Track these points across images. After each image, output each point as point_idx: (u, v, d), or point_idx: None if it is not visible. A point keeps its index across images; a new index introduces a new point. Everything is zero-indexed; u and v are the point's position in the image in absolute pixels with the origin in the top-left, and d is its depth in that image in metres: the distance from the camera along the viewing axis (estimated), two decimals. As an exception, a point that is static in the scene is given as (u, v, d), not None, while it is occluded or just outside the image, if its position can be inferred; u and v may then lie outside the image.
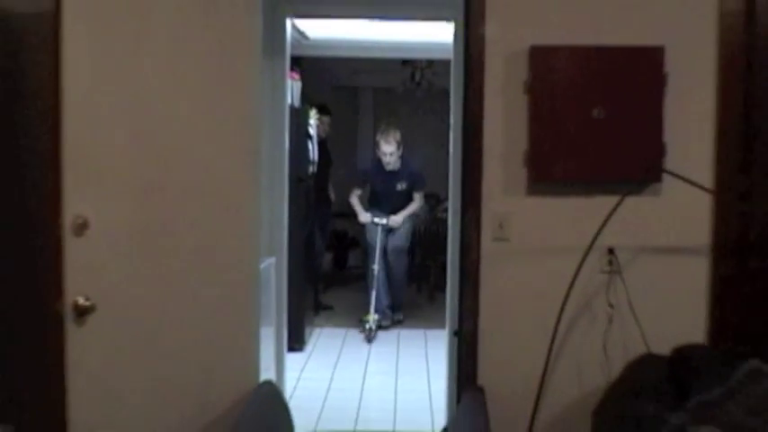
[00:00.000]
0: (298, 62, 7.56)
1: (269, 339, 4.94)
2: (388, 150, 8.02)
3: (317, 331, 8.22)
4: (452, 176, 4.26)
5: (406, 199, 8.49)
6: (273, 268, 5.05)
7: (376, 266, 8.18)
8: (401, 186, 8.30)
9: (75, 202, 3.21)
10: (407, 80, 10.46)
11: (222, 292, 3.68)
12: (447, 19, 4.44)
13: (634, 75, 3.77)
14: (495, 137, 3.88)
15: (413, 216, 8.76)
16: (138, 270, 3.44)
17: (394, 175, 8.29)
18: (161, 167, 3.48)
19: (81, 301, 3.22)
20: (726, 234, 3.85)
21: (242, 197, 3.76)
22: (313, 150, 8.23)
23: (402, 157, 8.25)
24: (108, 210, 3.31)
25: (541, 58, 3.78)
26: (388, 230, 8.48)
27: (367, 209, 8.60)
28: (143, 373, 3.45)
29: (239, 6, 3.69)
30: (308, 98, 8.40)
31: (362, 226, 8.75)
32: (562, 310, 3.76)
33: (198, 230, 3.60)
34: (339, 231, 10.51)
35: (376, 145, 8.23)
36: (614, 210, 3.67)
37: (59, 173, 3.19)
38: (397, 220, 8.35)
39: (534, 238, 3.91)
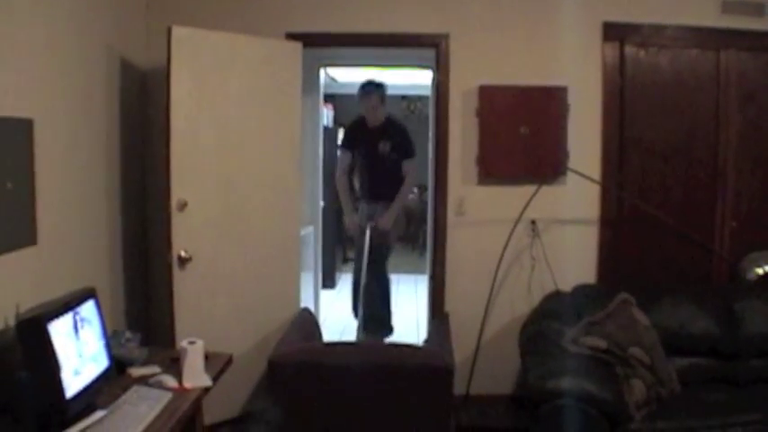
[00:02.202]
0: (332, 97, 7.51)
1: (309, 281, 4.96)
2: (371, 103, 4.62)
3: (343, 276, 8.15)
4: (430, 173, 4.28)
5: (394, 175, 4.72)
6: (312, 234, 5.06)
7: (363, 277, 4.74)
8: (384, 148, 4.66)
9: (179, 189, 3.28)
10: (405, 109, 10.40)
11: (276, 249, 3.71)
12: (428, 68, 4.42)
13: (548, 105, 3.75)
14: (456, 146, 3.88)
15: (400, 215, 4.95)
16: (219, 234, 3.48)
17: (377, 135, 4.70)
18: (235, 167, 3.51)
19: (182, 253, 3.31)
20: (608, 211, 3.86)
21: (289, 187, 3.77)
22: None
23: (388, 118, 4.78)
24: (200, 195, 3.37)
25: (486, 93, 3.78)
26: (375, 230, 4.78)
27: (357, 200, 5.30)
28: (223, 301, 3.50)
29: (287, 63, 3.69)
30: (338, 121, 8.27)
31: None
32: (500, 261, 3.77)
33: (260, 209, 3.62)
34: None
35: (359, 103, 4.80)
36: (534, 195, 3.68)
37: (169, 171, 3.26)
38: (385, 223, 4.72)
39: (482, 213, 3.89)
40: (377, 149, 4.73)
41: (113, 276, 3.45)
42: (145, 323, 3.65)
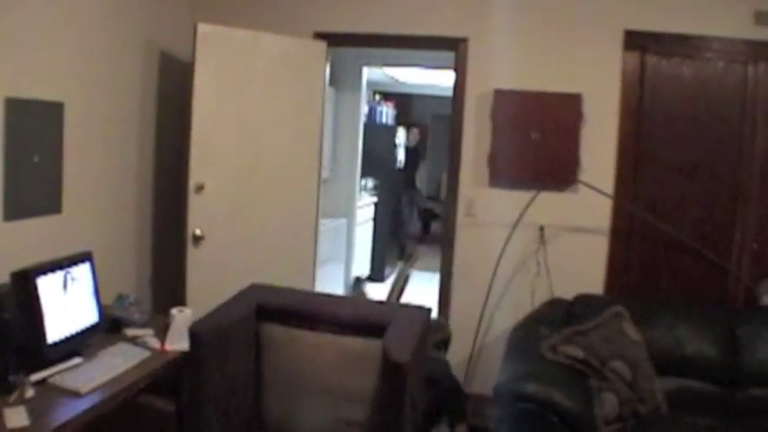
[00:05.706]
0: (394, 96, 7.64)
1: (339, 271, 5.15)
2: None
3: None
4: (447, 174, 4.41)
5: None
6: (345, 226, 5.26)
7: None
8: None
9: (197, 174, 3.63)
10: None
11: (291, 238, 3.96)
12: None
13: (561, 112, 3.80)
14: (470, 148, 4.01)
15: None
16: (232, 217, 3.79)
17: None
18: (253, 157, 3.81)
19: (197, 232, 3.65)
20: (619, 222, 3.87)
21: (308, 179, 4.01)
22: (400, 153, 8.02)
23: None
24: (216, 179, 3.70)
25: (501, 97, 3.89)
26: None
27: None
28: (234, 279, 3.63)
29: (311, 61, 3.96)
30: (401, 120, 8.24)
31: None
32: (497, 263, 3.88)
33: (276, 198, 3.90)
34: (428, 209, 10.16)
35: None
36: (532, 200, 3.77)
37: (189, 156, 3.62)
38: None
39: (491, 215, 3.99)
40: None
41: (138, 248, 3.86)
42: (167, 293, 4.04)
